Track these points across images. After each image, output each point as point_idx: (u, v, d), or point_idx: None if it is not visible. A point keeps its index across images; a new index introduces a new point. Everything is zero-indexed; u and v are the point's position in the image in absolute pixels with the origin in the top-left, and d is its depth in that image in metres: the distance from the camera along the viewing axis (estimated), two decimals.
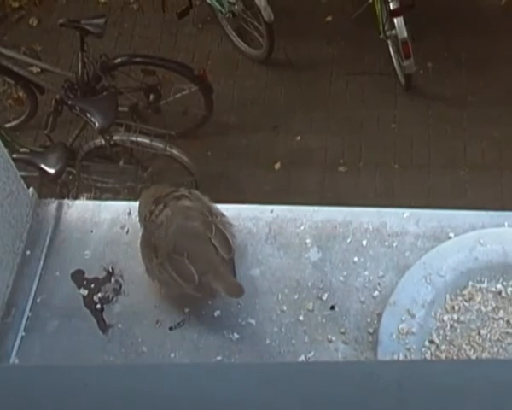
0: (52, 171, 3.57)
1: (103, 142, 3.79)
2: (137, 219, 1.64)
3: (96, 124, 3.64)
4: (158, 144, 3.80)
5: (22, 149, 3.76)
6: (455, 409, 0.77)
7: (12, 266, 1.64)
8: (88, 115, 3.68)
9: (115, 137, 3.80)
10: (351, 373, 0.84)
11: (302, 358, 1.53)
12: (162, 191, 1.60)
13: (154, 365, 1.19)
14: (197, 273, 1.51)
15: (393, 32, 4.25)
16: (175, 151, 3.83)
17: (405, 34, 4.15)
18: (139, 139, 3.80)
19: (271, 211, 1.70)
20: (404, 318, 1.53)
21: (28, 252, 1.68)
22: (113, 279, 1.64)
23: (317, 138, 4.41)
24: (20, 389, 0.87)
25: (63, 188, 3.84)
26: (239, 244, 1.65)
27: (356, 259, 1.64)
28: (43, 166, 3.56)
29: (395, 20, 4.16)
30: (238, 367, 0.92)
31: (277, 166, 4.32)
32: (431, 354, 1.52)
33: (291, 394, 0.83)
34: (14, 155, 3.51)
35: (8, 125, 4.30)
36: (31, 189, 1.72)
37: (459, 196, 4.07)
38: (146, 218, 1.57)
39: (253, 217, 1.68)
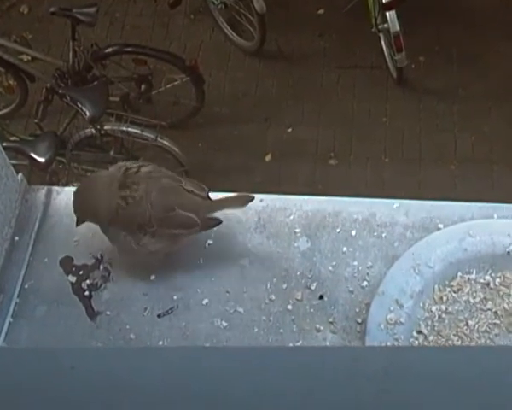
0: (42, 160, 3.55)
1: (94, 131, 3.78)
2: None
3: (87, 113, 3.62)
4: (149, 134, 3.78)
5: (12, 138, 3.75)
6: (441, 395, 0.77)
7: (0, 252, 1.63)
8: (79, 104, 3.65)
9: (106, 127, 3.79)
10: (337, 359, 0.84)
11: None
12: (115, 176, 1.57)
13: (141, 348, 1.19)
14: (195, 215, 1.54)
15: (386, 25, 4.24)
16: (166, 142, 3.82)
17: (397, 28, 4.14)
18: (130, 129, 3.79)
19: (261, 200, 1.69)
20: (392, 308, 1.54)
21: (17, 238, 1.67)
22: (101, 266, 1.64)
23: (309, 131, 4.40)
24: (7, 371, 0.87)
25: (53, 177, 3.83)
26: (228, 233, 1.65)
27: (345, 249, 1.64)
28: (33, 154, 3.54)
29: (387, 14, 4.16)
30: (225, 351, 0.92)
31: (268, 157, 4.31)
32: (419, 345, 1.52)
33: (277, 378, 0.83)
34: (4, 144, 3.48)
35: None
36: (20, 175, 1.71)
37: (449, 189, 4.08)
38: (118, 208, 1.54)
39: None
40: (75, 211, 1.60)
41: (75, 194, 1.60)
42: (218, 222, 1.58)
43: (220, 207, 1.60)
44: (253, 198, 1.58)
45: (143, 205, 1.54)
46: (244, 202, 1.59)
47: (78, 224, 1.61)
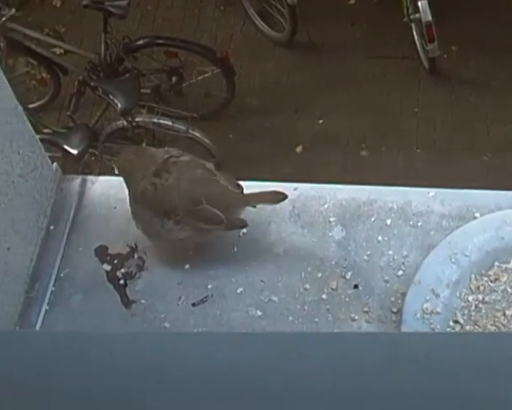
0: (75, 152, 3.58)
1: (125, 123, 3.80)
2: None
3: (119, 105, 3.64)
4: (180, 126, 3.80)
5: (45, 130, 3.77)
6: (485, 381, 0.76)
7: (36, 241, 1.64)
8: (110, 97, 3.68)
9: (137, 119, 3.81)
10: (377, 344, 0.83)
11: None
12: (156, 160, 1.58)
13: (179, 333, 1.19)
14: (221, 212, 1.53)
15: (417, 15, 4.21)
16: (197, 133, 3.83)
17: (429, 17, 4.11)
18: (161, 121, 3.80)
19: (295, 189, 1.69)
20: (428, 297, 1.52)
21: (52, 227, 1.68)
22: (136, 255, 1.64)
23: (340, 122, 4.39)
24: (46, 354, 0.87)
25: (85, 169, 3.86)
26: (262, 222, 1.65)
27: (380, 238, 1.62)
28: (65, 146, 3.57)
29: (419, 3, 4.13)
30: (261, 337, 0.91)
31: (299, 149, 4.30)
32: None
33: (317, 363, 0.82)
34: (38, 136, 3.51)
35: (31, 106, 4.31)
36: (55, 164, 1.73)
37: (482, 180, 4.03)
38: (145, 191, 1.56)
39: None
40: (117, 166, 1.63)
41: (124, 151, 1.66)
42: (245, 224, 1.58)
43: (253, 202, 1.59)
44: (286, 197, 1.57)
45: (172, 193, 1.55)
46: (277, 199, 1.58)
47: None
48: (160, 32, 4.61)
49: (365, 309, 1.55)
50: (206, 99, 4.36)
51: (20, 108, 1.57)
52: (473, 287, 1.56)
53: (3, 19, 3.76)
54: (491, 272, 1.57)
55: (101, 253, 1.65)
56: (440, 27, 4.20)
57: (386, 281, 1.58)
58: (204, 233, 1.58)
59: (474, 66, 4.50)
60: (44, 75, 4.35)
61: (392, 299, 1.56)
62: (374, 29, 4.68)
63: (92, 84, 3.84)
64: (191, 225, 1.55)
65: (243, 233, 1.65)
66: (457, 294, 1.55)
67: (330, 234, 1.64)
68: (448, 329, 1.52)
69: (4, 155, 1.53)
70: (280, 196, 1.57)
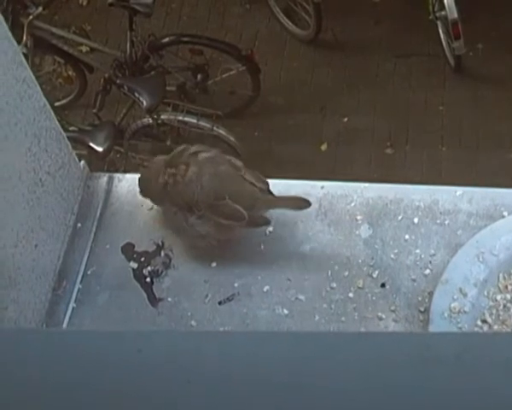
0: (100, 149, 3.59)
1: (151, 121, 3.81)
2: None
3: (144, 103, 3.65)
4: (205, 124, 3.80)
5: (71, 128, 3.79)
6: None
7: (63, 239, 1.65)
8: (136, 94, 3.69)
9: (163, 117, 3.81)
10: (407, 344, 0.82)
11: None
12: (172, 157, 1.60)
13: (206, 332, 1.19)
14: (244, 209, 1.53)
15: (443, 12, 4.18)
16: (222, 131, 3.83)
17: (455, 15, 4.08)
18: (186, 119, 3.81)
19: (322, 187, 1.68)
20: (456, 296, 1.51)
21: (79, 225, 1.69)
22: (162, 253, 1.65)
23: (364, 120, 4.37)
24: (75, 352, 0.88)
25: (111, 166, 3.87)
26: (289, 220, 1.65)
27: (407, 236, 1.62)
28: (91, 144, 3.58)
29: (445, 1, 4.10)
30: (288, 336, 0.91)
31: (324, 147, 4.29)
32: None
33: (345, 363, 0.82)
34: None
35: (57, 103, 4.34)
36: (82, 162, 1.74)
37: (508, 178, 4.00)
38: (166, 185, 1.57)
39: (303, 193, 1.66)
40: (140, 190, 1.65)
41: (139, 175, 1.67)
42: (267, 222, 1.58)
43: (277, 205, 1.59)
44: (310, 204, 1.57)
45: (193, 187, 1.55)
46: (301, 205, 1.58)
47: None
48: (185, 29, 4.62)
49: (392, 308, 1.55)
50: (231, 97, 4.36)
51: (48, 106, 1.57)
52: (501, 286, 1.54)
53: (31, 17, 3.77)
54: None
55: (128, 250, 1.65)
56: (466, 25, 4.16)
57: (414, 280, 1.57)
58: (226, 229, 1.58)
59: (499, 64, 4.46)
60: (70, 73, 4.38)
61: (420, 298, 1.55)
62: (399, 27, 4.65)
63: (118, 81, 3.85)
64: (213, 220, 1.55)
65: (270, 232, 1.64)
66: (485, 293, 1.54)
67: (357, 232, 1.63)
68: (476, 328, 1.51)
69: (32, 153, 1.54)
70: (304, 204, 1.57)
